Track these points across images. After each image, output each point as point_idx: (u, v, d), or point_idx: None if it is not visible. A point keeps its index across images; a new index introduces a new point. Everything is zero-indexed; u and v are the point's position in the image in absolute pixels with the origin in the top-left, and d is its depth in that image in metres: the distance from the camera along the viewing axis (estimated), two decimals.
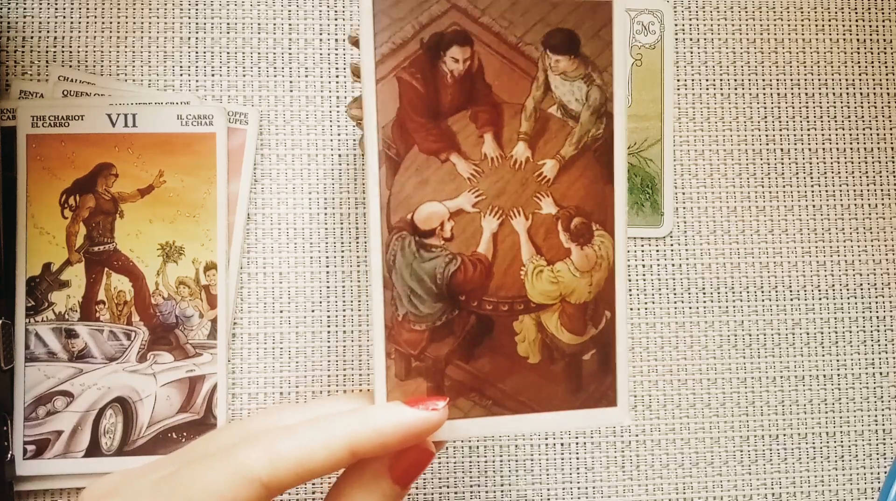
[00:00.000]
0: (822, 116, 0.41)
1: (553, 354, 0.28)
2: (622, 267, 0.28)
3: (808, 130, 0.41)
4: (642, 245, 0.40)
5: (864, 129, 0.42)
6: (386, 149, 0.26)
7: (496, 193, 0.27)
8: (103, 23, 0.39)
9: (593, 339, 0.28)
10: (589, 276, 0.28)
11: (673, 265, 0.40)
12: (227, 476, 0.23)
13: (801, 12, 0.42)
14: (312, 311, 0.38)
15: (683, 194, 0.40)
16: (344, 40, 0.39)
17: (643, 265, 0.40)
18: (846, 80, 0.42)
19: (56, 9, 0.39)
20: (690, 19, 0.41)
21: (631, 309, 0.40)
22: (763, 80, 0.41)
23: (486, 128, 0.27)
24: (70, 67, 0.38)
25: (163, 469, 0.25)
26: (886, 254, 0.41)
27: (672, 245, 0.40)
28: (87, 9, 0.39)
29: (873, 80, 0.42)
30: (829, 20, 0.42)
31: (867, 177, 0.41)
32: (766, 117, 0.41)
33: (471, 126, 0.27)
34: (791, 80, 0.41)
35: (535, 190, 0.28)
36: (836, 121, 0.41)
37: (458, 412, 0.27)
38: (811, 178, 0.41)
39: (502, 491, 0.38)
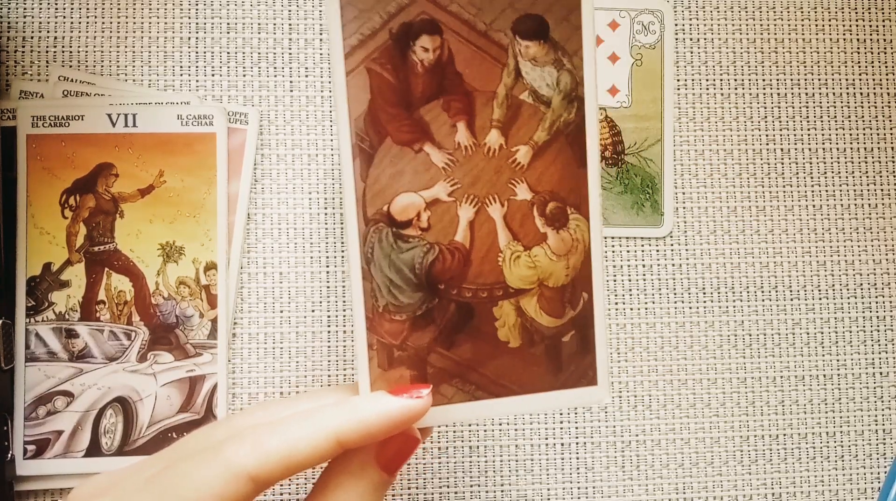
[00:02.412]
0: (822, 116, 0.41)
1: (533, 337, 0.28)
2: (598, 249, 0.28)
3: (808, 130, 0.41)
4: (642, 245, 0.40)
5: (864, 129, 0.42)
6: (359, 141, 0.26)
7: (471, 181, 0.27)
8: (103, 23, 0.39)
9: (572, 320, 0.28)
10: (566, 259, 0.28)
11: (673, 265, 0.40)
12: (216, 472, 0.23)
13: (801, 12, 0.42)
14: (312, 311, 0.38)
15: (683, 194, 0.40)
16: None
17: (643, 265, 0.40)
18: (846, 80, 0.42)
19: (56, 9, 0.39)
20: (690, 19, 0.41)
21: (631, 309, 0.40)
22: (763, 80, 0.41)
23: (459, 117, 0.27)
24: (70, 67, 0.38)
25: (152, 468, 0.25)
26: (886, 254, 0.41)
27: (672, 245, 0.40)
28: (87, 9, 0.39)
29: (873, 80, 0.42)
30: (829, 20, 0.42)
31: (867, 177, 0.41)
32: (766, 117, 0.41)
33: (443, 115, 0.27)
34: (791, 80, 0.41)
35: (509, 177, 0.28)
36: (836, 121, 0.41)
37: (442, 398, 0.27)
38: (811, 178, 0.41)
39: (502, 491, 0.39)
